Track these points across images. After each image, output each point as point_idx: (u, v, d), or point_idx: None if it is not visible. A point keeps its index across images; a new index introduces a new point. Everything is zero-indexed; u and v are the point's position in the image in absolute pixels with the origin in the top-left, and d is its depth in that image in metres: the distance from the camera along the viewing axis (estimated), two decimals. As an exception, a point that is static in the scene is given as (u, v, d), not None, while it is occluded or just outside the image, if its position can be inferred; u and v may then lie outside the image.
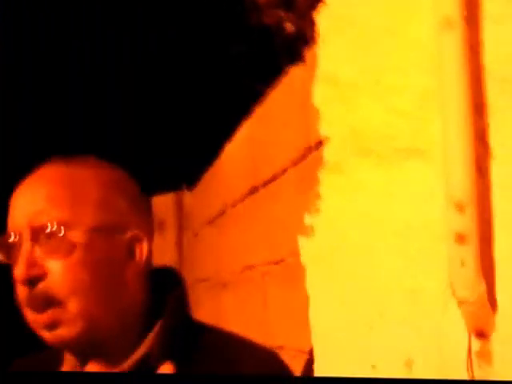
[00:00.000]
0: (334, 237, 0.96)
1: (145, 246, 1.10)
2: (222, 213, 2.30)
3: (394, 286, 0.88)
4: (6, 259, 1.07)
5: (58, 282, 1.04)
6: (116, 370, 1.08)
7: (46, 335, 1.05)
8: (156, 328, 1.10)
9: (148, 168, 3.16)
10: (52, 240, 1.04)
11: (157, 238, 2.97)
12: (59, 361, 1.12)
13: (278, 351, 1.54)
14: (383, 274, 0.89)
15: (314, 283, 0.98)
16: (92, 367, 1.10)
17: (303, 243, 1.02)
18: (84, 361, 1.11)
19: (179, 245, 2.95)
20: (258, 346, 1.17)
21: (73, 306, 1.04)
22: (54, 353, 1.12)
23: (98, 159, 1.16)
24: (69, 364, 1.11)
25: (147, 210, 1.18)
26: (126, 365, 1.07)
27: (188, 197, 3.00)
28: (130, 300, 1.10)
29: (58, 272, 1.04)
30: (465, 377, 0.85)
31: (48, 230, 1.04)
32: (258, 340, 1.85)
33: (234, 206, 2.14)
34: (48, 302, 1.04)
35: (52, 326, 1.04)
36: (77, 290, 1.04)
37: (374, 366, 0.91)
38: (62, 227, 1.05)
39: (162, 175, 3.06)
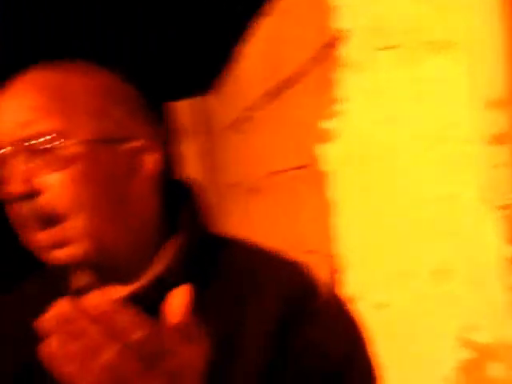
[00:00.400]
0: (359, 141, 0.90)
1: (152, 156, 1.04)
2: (244, 117, 2.24)
3: (424, 191, 0.83)
4: None
5: (57, 196, 0.98)
6: (130, 288, 1.04)
7: (54, 255, 1.00)
8: (171, 244, 1.05)
9: (170, 74, 3.08)
10: (46, 152, 0.97)
11: (181, 145, 2.93)
12: (66, 281, 1.08)
13: (306, 256, 1.51)
14: (411, 180, 0.84)
15: (340, 189, 0.94)
16: (106, 285, 1.06)
17: (327, 148, 0.96)
18: (99, 279, 1.07)
19: (204, 151, 2.91)
20: (282, 257, 1.12)
21: (75, 222, 0.98)
22: (57, 275, 1.09)
23: (88, 64, 1.07)
24: (81, 282, 1.07)
25: (155, 118, 1.09)
26: (140, 283, 1.03)
27: (212, 101, 2.93)
28: (140, 215, 1.05)
29: (55, 186, 0.98)
30: (497, 285, 0.81)
31: (40, 142, 0.97)
32: (286, 245, 1.83)
33: (255, 109, 2.07)
34: (49, 218, 0.98)
35: (58, 244, 0.99)
36: (78, 205, 0.98)
37: (402, 274, 0.88)
38: (56, 138, 0.97)
39: (184, 80, 2.98)
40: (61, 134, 0.97)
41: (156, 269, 1.04)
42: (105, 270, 1.06)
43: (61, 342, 0.70)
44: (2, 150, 0.99)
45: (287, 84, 1.77)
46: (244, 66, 2.31)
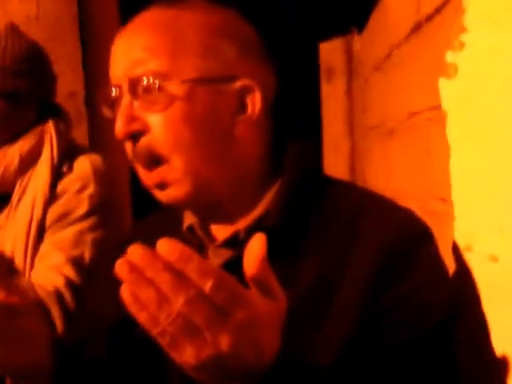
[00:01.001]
0: (480, 77, 0.83)
1: (258, 97, 1.00)
2: (387, 56, 2.15)
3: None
4: (110, 114, 1.02)
5: (160, 137, 0.98)
6: (232, 229, 1.04)
7: (159, 195, 1.02)
8: (274, 186, 1.03)
9: (315, 13, 3.03)
10: (150, 93, 0.97)
11: (326, 86, 2.88)
12: (180, 219, 1.09)
13: (439, 204, 1.43)
14: None
15: (456, 131, 0.87)
16: (211, 225, 1.06)
17: (446, 84, 0.90)
18: (203, 219, 1.08)
19: (349, 92, 2.84)
20: (391, 204, 1.05)
21: (177, 163, 0.98)
22: (173, 213, 1.10)
23: (204, 1, 1.04)
24: (188, 221, 1.09)
25: (265, 59, 1.05)
26: (242, 224, 1.02)
27: (357, 41, 2.84)
28: (243, 157, 1.02)
29: (158, 127, 0.98)
30: None
31: (145, 82, 0.96)
32: (420, 191, 1.75)
33: (398, 47, 1.98)
34: (153, 158, 0.99)
35: (161, 185, 1.00)
36: (179, 146, 0.98)
37: None
38: (160, 79, 0.96)
39: (329, 20, 2.92)
40: (165, 75, 0.96)
41: (257, 212, 1.02)
42: (209, 211, 1.06)
43: (134, 289, 0.70)
44: (117, 91, 1.00)
45: (427, 18, 1.67)
46: (390, 2, 2.21)
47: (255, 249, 0.74)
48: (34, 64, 1.70)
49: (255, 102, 1.01)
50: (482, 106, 0.81)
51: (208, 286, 0.69)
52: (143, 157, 0.99)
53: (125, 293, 0.70)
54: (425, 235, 1.00)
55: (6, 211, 1.69)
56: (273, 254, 0.91)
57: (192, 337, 0.70)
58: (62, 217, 1.62)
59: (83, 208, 1.62)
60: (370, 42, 2.62)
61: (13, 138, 1.69)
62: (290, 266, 0.97)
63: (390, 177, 2.24)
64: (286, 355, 0.78)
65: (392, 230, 0.97)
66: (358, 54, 2.83)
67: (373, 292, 0.93)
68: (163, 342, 0.71)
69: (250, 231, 0.99)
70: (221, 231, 1.05)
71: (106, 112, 1.02)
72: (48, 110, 1.73)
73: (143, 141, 0.98)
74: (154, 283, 0.69)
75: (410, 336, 0.92)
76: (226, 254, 1.02)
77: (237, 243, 1.02)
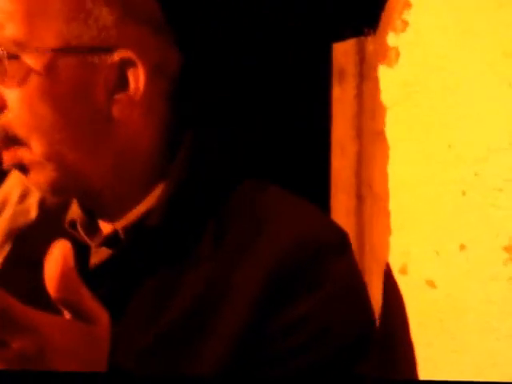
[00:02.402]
0: (422, 62, 0.74)
1: (141, 72, 0.85)
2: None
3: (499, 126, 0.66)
4: None
5: (16, 116, 0.84)
6: (112, 227, 0.93)
7: (25, 179, 0.91)
8: (163, 182, 0.87)
9: (326, 12, 2.95)
10: (5, 64, 0.83)
11: (337, 88, 2.81)
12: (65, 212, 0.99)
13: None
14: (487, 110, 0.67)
15: (396, 131, 0.79)
16: (99, 221, 0.95)
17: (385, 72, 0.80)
18: (86, 214, 0.96)
19: (359, 95, 2.76)
20: (306, 208, 0.94)
21: (36, 145, 0.84)
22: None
23: None
24: (71, 216, 0.97)
25: (163, 32, 0.93)
26: (123, 222, 0.88)
27: (370, 43, 2.75)
28: (127, 143, 0.87)
29: (14, 104, 0.84)
30: None
31: (0, 51, 0.83)
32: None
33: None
34: (10, 138, 0.85)
35: (21, 167, 0.86)
36: (38, 127, 0.83)
37: (463, 246, 0.73)
38: (14, 47, 0.82)
39: (341, 19, 2.84)
40: (21, 43, 0.82)
41: (140, 209, 0.90)
42: (88, 204, 0.90)
43: None
44: None
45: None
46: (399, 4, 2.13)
47: (54, 262, 0.61)
48: None
49: (138, 79, 0.86)
50: (425, 100, 0.72)
51: None
52: (1, 136, 0.88)
53: None
54: (335, 247, 0.85)
55: None
56: (154, 258, 0.84)
57: None
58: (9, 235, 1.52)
59: (30, 220, 1.53)
60: (383, 43, 2.53)
61: None
62: (173, 272, 0.85)
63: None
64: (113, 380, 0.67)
65: (293, 239, 0.83)
66: (371, 56, 2.74)
67: (261, 310, 0.81)
68: None
69: (131, 230, 0.87)
70: (106, 228, 0.94)
71: None
72: None
73: (0, 119, 0.87)
74: None
75: (299, 365, 0.81)
76: (105, 253, 0.90)
77: (118, 242, 0.89)
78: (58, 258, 0.61)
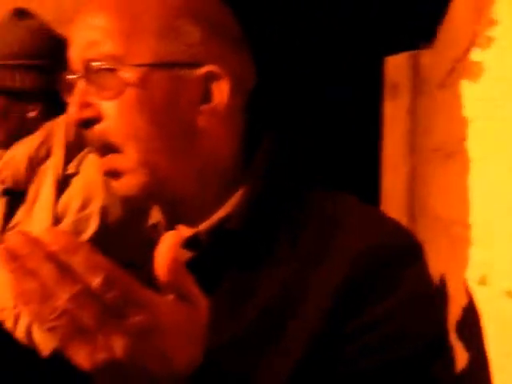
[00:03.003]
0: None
1: (225, 85, 0.92)
2: (451, 72, 1.98)
3: None
4: (66, 98, 0.95)
5: (113, 126, 0.91)
6: (192, 231, 0.96)
7: (113, 185, 0.95)
8: (242, 188, 0.94)
9: (378, 25, 2.88)
10: (102, 77, 0.90)
11: (389, 104, 2.69)
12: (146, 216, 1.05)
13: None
14: None
15: (479, 145, 0.72)
16: (176, 225, 0.99)
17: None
18: (170, 218, 1.00)
19: (413, 111, 2.66)
20: (378, 217, 0.94)
21: (131, 152, 0.92)
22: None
23: None
24: (154, 220, 1.02)
25: (242, 47, 0.97)
26: (205, 225, 0.94)
27: (425, 57, 2.66)
28: (210, 151, 0.94)
29: (111, 114, 0.91)
30: None
31: (98, 66, 0.90)
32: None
33: (461, 61, 1.81)
34: (105, 147, 0.93)
35: (114, 173, 0.94)
36: (133, 136, 0.91)
37: None
38: (112, 62, 0.90)
39: (394, 32, 2.76)
40: (119, 58, 0.90)
41: (220, 213, 0.94)
42: (171, 208, 0.99)
43: (17, 279, 0.62)
44: (71, 76, 0.95)
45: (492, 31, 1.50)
46: (456, 16, 2.04)
47: (165, 249, 0.65)
48: (38, 56, 1.60)
49: (222, 91, 0.93)
50: (509, 114, 0.66)
51: (96, 282, 0.61)
52: (96, 144, 0.94)
53: (12, 283, 0.63)
54: (408, 253, 0.89)
55: (23, 207, 1.63)
56: (233, 260, 0.90)
57: (83, 338, 0.63)
58: None
59: (92, 225, 1.52)
60: (437, 58, 2.45)
61: (17, 134, 1.63)
62: (251, 274, 0.90)
63: (448, 202, 2.06)
64: (208, 370, 0.69)
65: (367, 244, 0.86)
66: (425, 70, 2.65)
67: (337, 312, 0.84)
68: (56, 339, 0.63)
69: (212, 233, 0.93)
70: (185, 232, 0.99)
71: (66, 98, 0.96)
72: (55, 104, 1.62)
73: (97, 128, 0.93)
74: (36, 274, 0.62)
75: (372, 366, 0.82)
76: (186, 255, 0.95)
77: (199, 245, 0.94)
78: (168, 246, 0.65)
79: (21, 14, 1.65)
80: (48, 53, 1.62)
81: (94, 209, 1.53)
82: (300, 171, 1.02)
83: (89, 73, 0.92)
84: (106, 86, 0.91)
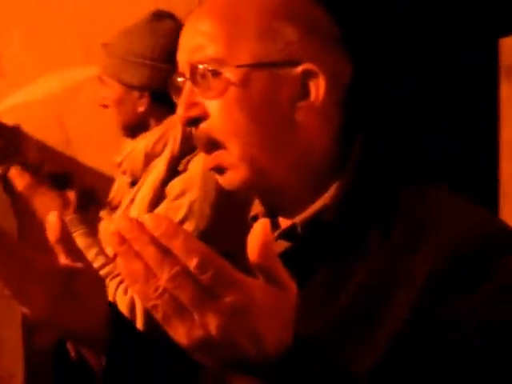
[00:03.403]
0: None
1: (321, 82, 0.96)
2: None
3: None
4: (175, 99, 1.03)
5: (217, 123, 0.98)
6: (290, 222, 1.00)
7: (219, 179, 1.02)
8: (337, 181, 0.97)
9: (494, 7, 2.78)
10: (206, 79, 0.97)
11: (505, 86, 2.66)
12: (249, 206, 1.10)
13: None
14: None
15: None
16: (279, 217, 1.04)
17: None
18: (270, 210, 1.05)
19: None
20: (473, 210, 0.93)
21: (234, 148, 0.98)
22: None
23: None
24: (254, 211, 1.08)
25: (338, 46, 1.01)
26: (301, 217, 0.98)
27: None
28: (306, 145, 0.98)
29: (215, 113, 0.98)
30: None
31: (201, 68, 0.96)
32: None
33: None
34: (211, 143, 0.99)
35: (219, 169, 1.00)
36: (236, 132, 0.97)
37: None
38: (216, 64, 0.96)
39: (509, 14, 2.66)
40: (221, 60, 0.96)
41: (316, 206, 0.98)
42: (270, 200, 1.04)
43: (125, 260, 0.68)
44: (180, 78, 1.02)
45: None
46: None
47: (257, 234, 0.69)
48: (165, 59, 1.72)
49: (319, 88, 0.97)
50: None
51: (193, 264, 0.66)
52: (202, 142, 1.00)
53: (119, 264, 0.69)
54: (504, 246, 0.87)
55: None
56: (327, 250, 0.94)
57: (182, 315, 0.68)
58: None
59: (179, 215, 1.61)
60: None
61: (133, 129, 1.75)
62: (344, 265, 0.93)
63: None
64: (297, 352, 0.72)
65: (460, 235, 0.87)
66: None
67: (429, 301, 0.84)
68: (158, 317, 0.69)
69: (308, 225, 0.97)
70: (284, 223, 1.03)
71: (175, 99, 1.04)
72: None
73: (202, 126, 1.00)
74: (142, 256, 0.67)
75: (466, 353, 0.81)
76: (283, 245, 0.99)
77: (295, 236, 0.98)
78: (260, 231, 0.69)
79: (159, 16, 1.80)
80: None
81: (185, 201, 1.64)
82: (395, 165, 1.04)
83: (194, 75, 0.99)
84: (210, 87, 0.97)
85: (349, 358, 0.82)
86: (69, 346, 1.05)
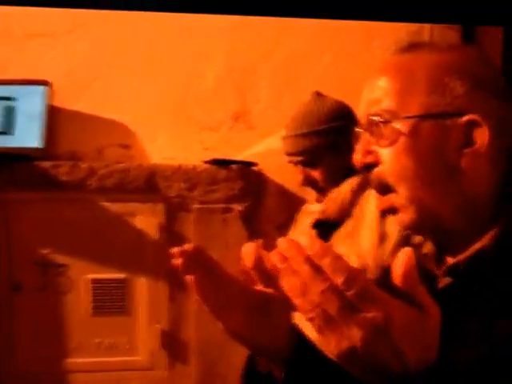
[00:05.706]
0: None
1: (485, 132, 1.02)
2: None
3: None
4: (354, 146, 1.14)
5: (388, 169, 1.07)
6: (454, 260, 1.07)
7: (392, 218, 1.09)
8: (498, 223, 1.02)
9: None
10: (381, 129, 1.06)
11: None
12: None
13: None
14: None
15: None
16: (442, 255, 1.11)
17: None
18: (436, 249, 1.13)
19: None
20: None
21: (403, 191, 1.06)
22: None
23: (442, 43, 1.10)
24: (425, 250, 1.15)
25: (501, 92, 1.06)
26: (461, 257, 1.04)
27: None
28: (470, 189, 1.04)
29: (387, 160, 1.07)
30: None
31: (376, 120, 1.06)
32: None
33: None
34: (383, 187, 1.09)
35: (391, 210, 1.09)
36: (404, 177, 1.05)
37: None
38: (388, 116, 1.05)
39: None
40: (393, 113, 1.05)
41: (477, 247, 1.04)
42: (437, 239, 1.11)
43: (285, 276, 0.76)
44: (359, 129, 1.12)
45: None
46: None
47: (401, 261, 0.76)
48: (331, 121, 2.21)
49: (483, 136, 1.03)
50: None
51: (340, 280, 0.73)
52: (375, 185, 1.10)
53: (282, 280, 0.77)
54: None
55: (338, 233, 2.06)
56: (487, 285, 0.99)
57: (332, 328, 0.74)
58: None
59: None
60: None
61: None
62: (501, 299, 0.96)
63: None
64: (440, 372, 0.77)
65: None
66: None
67: None
68: (315, 329, 0.76)
69: (469, 263, 1.04)
70: (450, 261, 1.10)
71: (354, 146, 1.15)
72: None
73: (375, 171, 1.10)
74: (297, 273, 0.75)
75: None
76: (448, 281, 1.08)
77: (457, 272, 1.06)
78: (404, 259, 0.75)
79: (319, 94, 2.37)
80: (338, 118, 2.26)
81: (388, 246, 1.85)
82: None
83: (370, 125, 1.08)
84: (383, 136, 1.06)
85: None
86: (258, 359, 1.13)
